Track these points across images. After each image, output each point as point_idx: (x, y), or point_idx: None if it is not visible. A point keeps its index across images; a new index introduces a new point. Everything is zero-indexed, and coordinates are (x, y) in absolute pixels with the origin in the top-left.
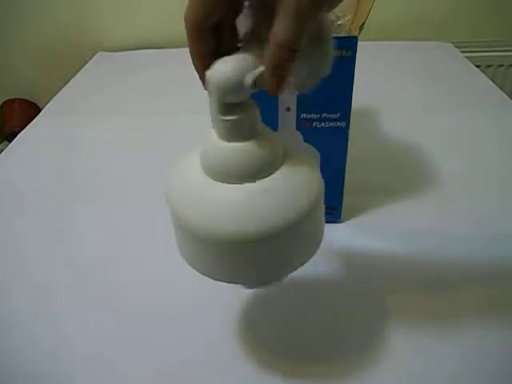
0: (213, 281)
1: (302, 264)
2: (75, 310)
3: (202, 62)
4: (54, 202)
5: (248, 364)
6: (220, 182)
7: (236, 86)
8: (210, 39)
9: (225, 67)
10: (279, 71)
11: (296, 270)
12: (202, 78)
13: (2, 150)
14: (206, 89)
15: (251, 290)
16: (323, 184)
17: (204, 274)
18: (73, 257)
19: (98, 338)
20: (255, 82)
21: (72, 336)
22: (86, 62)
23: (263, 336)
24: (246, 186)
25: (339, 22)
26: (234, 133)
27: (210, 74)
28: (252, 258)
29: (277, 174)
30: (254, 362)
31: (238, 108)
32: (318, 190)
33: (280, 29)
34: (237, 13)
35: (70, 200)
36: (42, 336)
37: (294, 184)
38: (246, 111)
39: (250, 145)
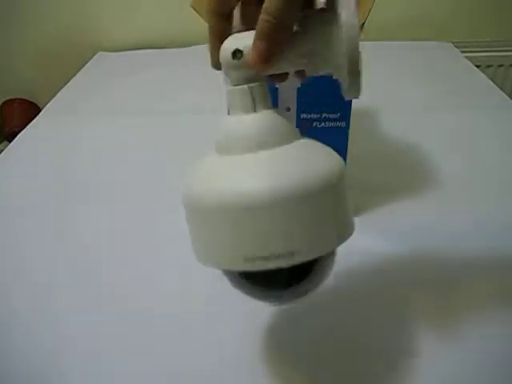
0: (213, 282)
1: (334, 246)
2: (75, 309)
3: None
4: (54, 202)
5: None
6: (232, 154)
7: (230, 62)
8: (225, 26)
9: (226, 42)
10: (263, 43)
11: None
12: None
13: (2, 150)
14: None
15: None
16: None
17: (224, 266)
18: (73, 257)
19: (98, 338)
20: (241, 52)
21: (72, 336)
22: (86, 62)
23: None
24: (261, 153)
25: None
26: (241, 103)
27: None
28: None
29: (294, 144)
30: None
31: (243, 80)
32: (341, 165)
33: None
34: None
35: (69, 200)
36: (41, 336)
37: (316, 151)
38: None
39: (259, 115)
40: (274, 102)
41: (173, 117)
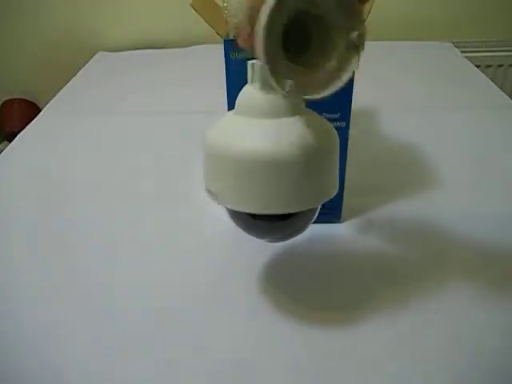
0: (213, 282)
1: (321, 201)
2: (75, 310)
3: None
4: (53, 202)
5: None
6: (252, 118)
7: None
8: None
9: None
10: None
11: (312, 209)
12: None
13: (2, 150)
14: None
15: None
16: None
17: (237, 206)
18: (72, 257)
19: (98, 339)
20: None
21: (69, 336)
22: (86, 62)
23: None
24: (277, 120)
25: None
26: (259, 77)
27: None
28: (282, 178)
29: (303, 116)
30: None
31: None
32: (334, 131)
33: None
34: None
35: (70, 200)
36: (38, 335)
37: (318, 121)
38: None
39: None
40: None
41: (173, 117)
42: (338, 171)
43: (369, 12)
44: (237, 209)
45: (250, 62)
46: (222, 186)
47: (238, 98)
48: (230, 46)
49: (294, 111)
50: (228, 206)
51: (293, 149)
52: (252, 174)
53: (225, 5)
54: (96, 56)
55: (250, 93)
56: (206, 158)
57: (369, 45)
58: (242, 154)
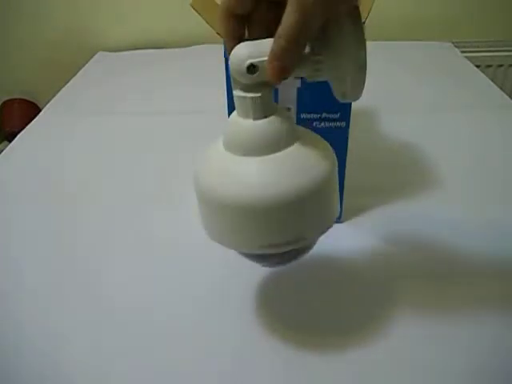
0: (214, 284)
1: (320, 233)
2: (75, 310)
3: (230, 44)
4: (53, 202)
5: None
6: (241, 155)
7: (241, 70)
8: (238, 26)
9: (238, 50)
10: (277, 61)
11: (309, 241)
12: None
13: (2, 150)
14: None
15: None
16: (335, 157)
17: (231, 246)
18: (72, 256)
19: (98, 338)
20: (255, 68)
21: (68, 336)
22: (86, 62)
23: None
24: (266, 157)
25: None
26: (252, 109)
27: (230, 55)
28: (274, 220)
29: (294, 147)
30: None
31: (254, 86)
32: (333, 159)
33: (283, 19)
34: (268, 8)
35: (70, 200)
36: (38, 336)
37: (312, 152)
38: (260, 90)
39: (265, 121)
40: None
41: (173, 117)
42: (337, 194)
43: (369, 12)
44: (233, 249)
45: (239, 94)
46: (217, 228)
47: (227, 130)
48: None
49: (291, 139)
50: (224, 246)
51: (293, 187)
52: (251, 219)
53: None
54: (96, 56)
55: (241, 126)
56: (200, 200)
57: (369, 45)
58: (240, 200)
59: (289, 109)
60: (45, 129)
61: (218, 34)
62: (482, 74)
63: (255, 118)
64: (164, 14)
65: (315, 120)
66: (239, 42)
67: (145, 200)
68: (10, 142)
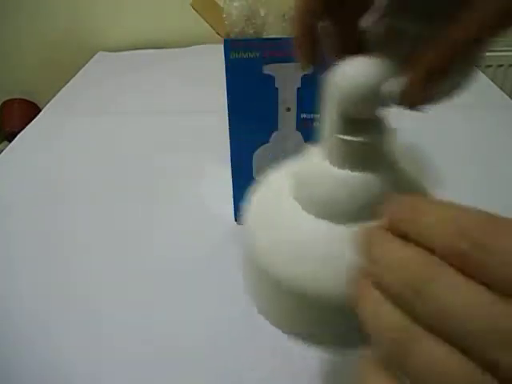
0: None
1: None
2: (75, 310)
3: (305, 52)
4: (53, 202)
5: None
6: (325, 219)
7: (369, 98)
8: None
9: (356, 72)
10: (434, 77)
11: None
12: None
13: (2, 150)
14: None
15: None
16: None
17: (287, 331)
18: (72, 256)
19: (98, 338)
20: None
21: (68, 339)
22: (86, 62)
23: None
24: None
25: None
26: (355, 158)
27: (334, 79)
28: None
29: None
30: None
31: (365, 126)
32: None
33: (460, 28)
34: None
35: (69, 200)
36: (37, 338)
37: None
38: (375, 131)
39: (374, 176)
40: (274, 102)
41: (173, 117)
42: None
43: None
44: (276, 327)
45: (340, 137)
46: (271, 307)
47: (302, 176)
48: (230, 45)
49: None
50: (269, 322)
51: None
52: (323, 319)
53: (224, 16)
54: (96, 56)
55: (330, 183)
56: (257, 278)
57: None
58: (318, 299)
59: (289, 109)
60: (45, 129)
61: (218, 33)
62: (481, 74)
63: (365, 171)
64: (164, 14)
65: (315, 120)
66: (314, 47)
67: (145, 200)
68: (10, 141)
